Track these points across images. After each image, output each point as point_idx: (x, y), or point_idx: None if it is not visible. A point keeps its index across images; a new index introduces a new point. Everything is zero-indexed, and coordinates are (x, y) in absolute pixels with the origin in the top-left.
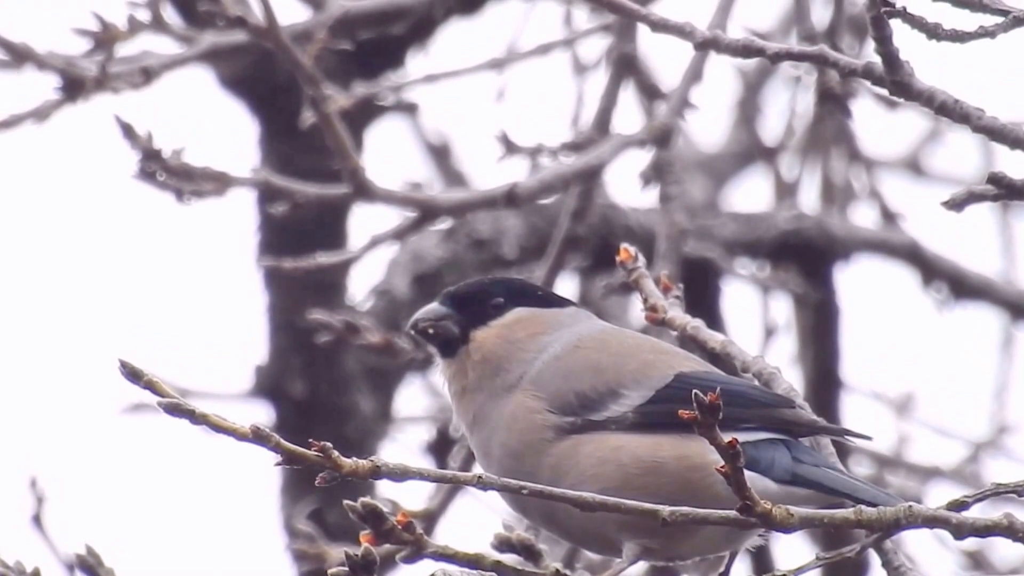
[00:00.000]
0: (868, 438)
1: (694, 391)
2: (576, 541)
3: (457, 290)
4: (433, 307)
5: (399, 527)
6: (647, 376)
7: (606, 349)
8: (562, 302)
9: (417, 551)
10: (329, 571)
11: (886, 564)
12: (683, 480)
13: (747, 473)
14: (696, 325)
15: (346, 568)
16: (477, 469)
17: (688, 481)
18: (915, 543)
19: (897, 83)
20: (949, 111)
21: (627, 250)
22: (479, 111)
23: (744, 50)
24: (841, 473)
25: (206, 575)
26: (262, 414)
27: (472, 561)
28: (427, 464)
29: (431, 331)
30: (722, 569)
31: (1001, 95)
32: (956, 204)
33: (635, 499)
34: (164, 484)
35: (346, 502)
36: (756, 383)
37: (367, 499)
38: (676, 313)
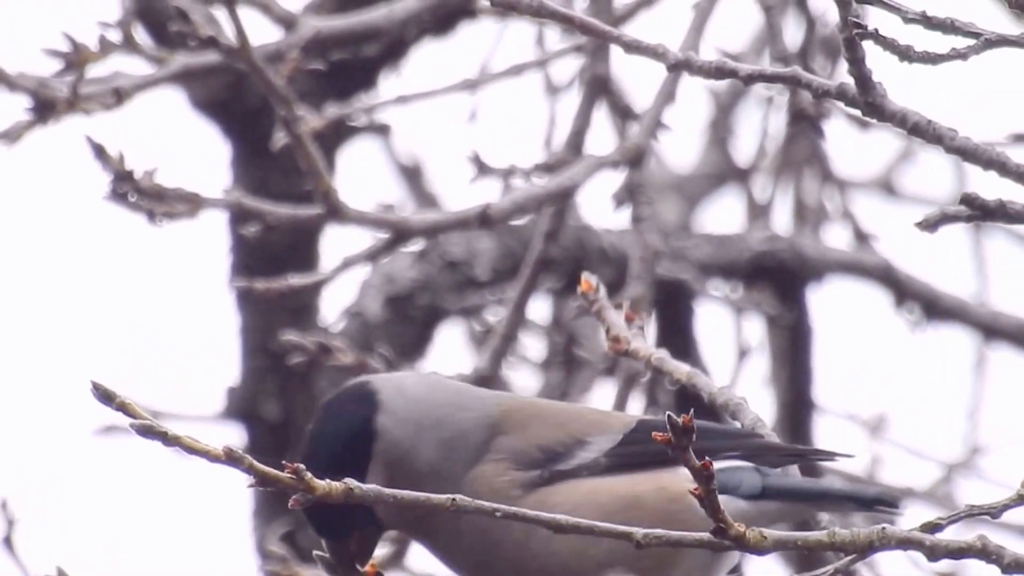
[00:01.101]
0: (849, 456)
1: (668, 413)
2: None
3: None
4: (333, 547)
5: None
6: (609, 424)
7: (544, 407)
8: (370, 428)
9: None
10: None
11: None
12: (663, 512)
13: (720, 497)
14: (661, 356)
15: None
16: None
17: (668, 513)
18: (889, 565)
19: (870, 104)
20: (922, 132)
21: (587, 281)
22: (451, 132)
23: (717, 71)
24: (811, 480)
25: None
26: (235, 436)
27: None
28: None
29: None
30: None
31: (974, 116)
32: (929, 225)
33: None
34: (137, 506)
35: (315, 553)
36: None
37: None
38: (640, 344)
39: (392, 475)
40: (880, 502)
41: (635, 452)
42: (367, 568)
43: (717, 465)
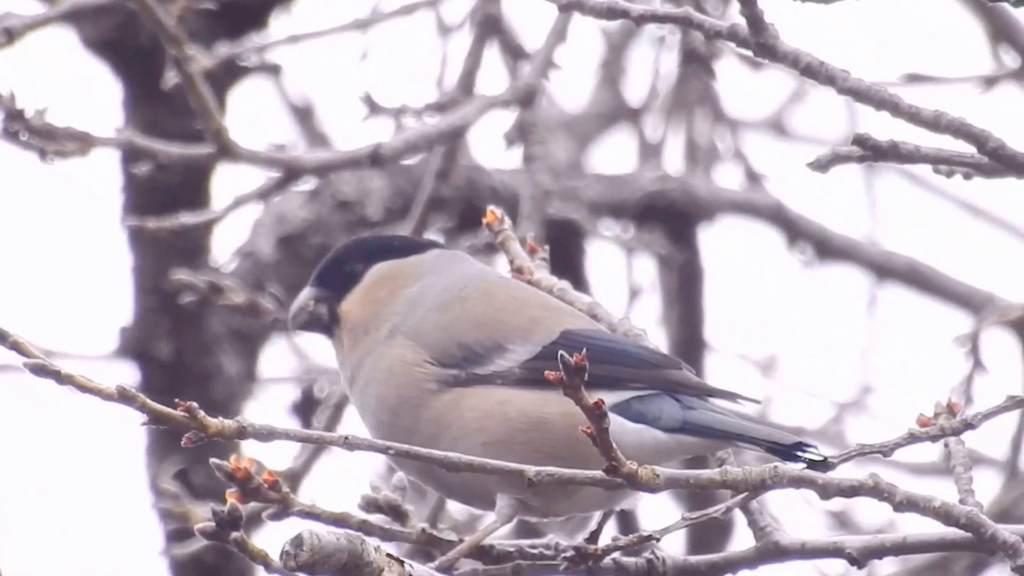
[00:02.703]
0: (756, 401)
1: (560, 352)
2: (455, 496)
3: (321, 267)
4: (302, 293)
5: (266, 486)
6: (533, 332)
7: (492, 302)
8: (422, 247)
9: (284, 510)
10: (196, 526)
11: (751, 524)
12: (568, 437)
13: (635, 426)
14: (562, 287)
15: (213, 524)
16: (343, 429)
17: (574, 439)
18: (781, 503)
19: (762, 45)
20: (814, 73)
21: (493, 212)
22: (343, 72)
23: (608, 12)
24: (732, 417)
25: (72, 535)
26: (128, 375)
27: (338, 520)
28: (292, 424)
29: (305, 322)
30: (594, 527)
31: (867, 57)
32: (821, 165)
33: (519, 454)
34: (30, 444)
35: (213, 461)
36: (646, 344)
37: (234, 459)
38: (542, 275)
39: (378, 289)
40: (801, 449)
41: (547, 368)
42: (264, 476)
43: (637, 393)
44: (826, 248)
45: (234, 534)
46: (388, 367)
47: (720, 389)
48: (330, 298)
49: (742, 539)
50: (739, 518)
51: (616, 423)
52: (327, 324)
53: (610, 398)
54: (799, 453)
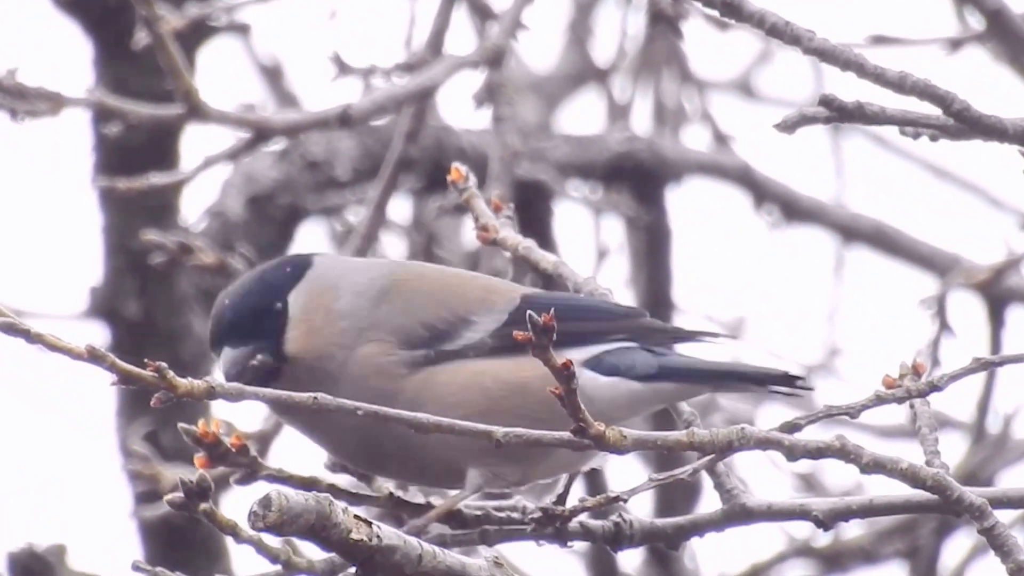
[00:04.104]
0: (733, 337)
1: (528, 312)
2: (427, 479)
3: (230, 324)
4: (231, 355)
5: (233, 450)
6: (493, 302)
7: (432, 280)
8: (309, 260)
9: (252, 474)
10: (164, 498)
11: (718, 487)
12: (548, 399)
13: (608, 379)
14: (528, 245)
15: (181, 495)
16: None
17: (552, 400)
18: (748, 465)
19: (728, 5)
20: (780, 33)
21: (458, 170)
22: (311, 32)
23: None
24: (708, 360)
25: (42, 495)
26: (97, 335)
27: (307, 484)
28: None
29: (255, 377)
30: (560, 491)
31: (833, 18)
32: (787, 126)
33: (501, 422)
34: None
35: (181, 425)
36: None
37: (202, 424)
38: (508, 233)
39: (312, 315)
40: (787, 379)
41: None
42: (232, 440)
43: (606, 347)
44: (793, 210)
45: (203, 505)
46: (359, 371)
47: (691, 331)
48: (266, 346)
49: (709, 501)
50: (707, 480)
51: (588, 378)
52: (273, 370)
53: (580, 354)
54: (777, 388)
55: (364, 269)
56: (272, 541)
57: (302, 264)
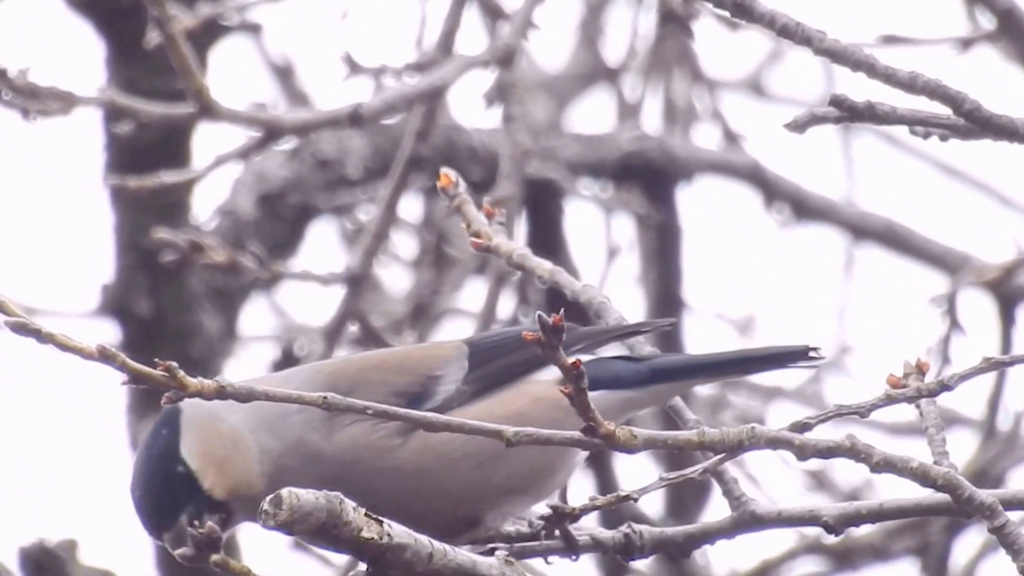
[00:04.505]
0: (672, 323)
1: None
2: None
3: (154, 514)
4: (169, 537)
5: None
6: (445, 355)
7: (367, 359)
8: (176, 409)
9: None
10: (175, 552)
11: (727, 494)
12: (549, 421)
13: (595, 393)
14: (523, 253)
15: (191, 548)
16: None
17: (554, 421)
18: (758, 463)
19: (739, 5)
20: (791, 34)
21: (447, 176)
22: (323, 31)
23: None
24: (699, 354)
25: (53, 491)
26: (108, 333)
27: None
28: None
29: (203, 539)
30: (560, 489)
31: (842, 17)
32: (798, 126)
33: (514, 458)
34: (10, 402)
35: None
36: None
37: None
38: (502, 240)
39: (212, 452)
40: (796, 355)
41: (491, 372)
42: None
43: (585, 358)
44: (803, 208)
45: (214, 557)
46: (350, 456)
47: (629, 325)
48: (196, 509)
49: (719, 505)
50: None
51: None
52: (223, 519)
53: (547, 375)
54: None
55: (288, 376)
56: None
57: (172, 417)
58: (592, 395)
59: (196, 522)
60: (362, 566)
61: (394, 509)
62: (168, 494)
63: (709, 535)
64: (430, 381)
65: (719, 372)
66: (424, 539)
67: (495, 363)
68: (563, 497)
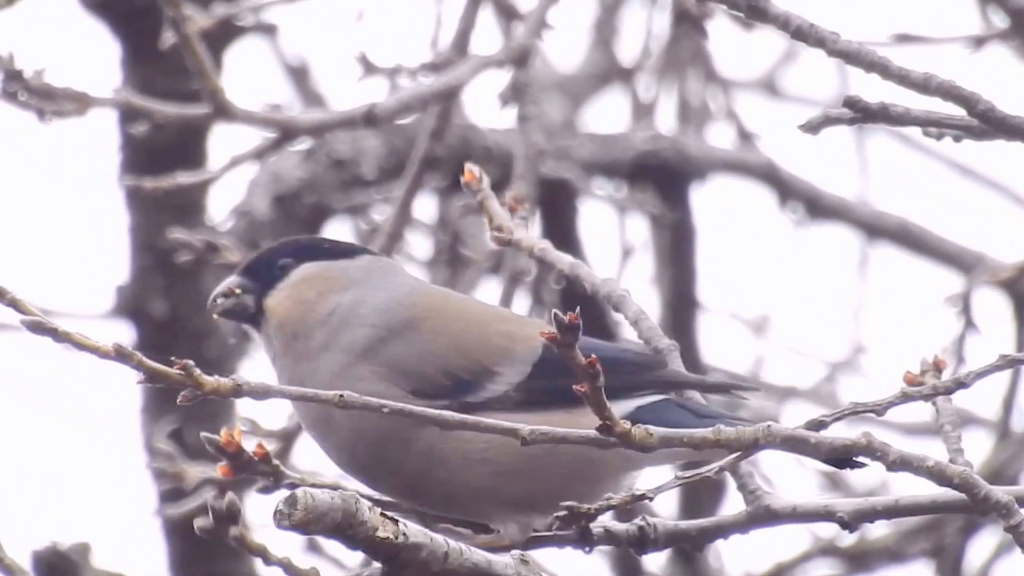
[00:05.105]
0: (756, 389)
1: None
2: (442, 514)
3: (249, 260)
4: (227, 280)
5: (256, 459)
6: (515, 351)
7: (453, 320)
8: (353, 251)
9: (275, 482)
10: (194, 524)
11: (742, 488)
12: (580, 454)
13: None
14: (544, 247)
15: (211, 520)
16: None
17: (585, 455)
18: (772, 461)
19: (753, 7)
20: (804, 35)
21: (471, 172)
22: (338, 32)
23: None
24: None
25: (66, 493)
26: (123, 334)
27: (330, 489)
28: None
29: (229, 309)
30: None
31: (855, 15)
32: (812, 128)
33: (532, 479)
34: (25, 402)
35: (203, 435)
36: (626, 345)
37: (225, 433)
38: (523, 234)
39: (306, 288)
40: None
41: (545, 388)
42: (255, 449)
43: (639, 402)
44: (817, 207)
45: (233, 529)
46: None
47: (715, 382)
48: (256, 290)
49: (735, 500)
50: (732, 481)
51: None
52: (252, 316)
53: (614, 410)
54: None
55: (392, 289)
56: (301, 562)
57: (347, 251)
58: None
59: (240, 292)
60: (377, 565)
61: (405, 486)
62: (263, 262)
63: (723, 529)
64: (484, 374)
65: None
66: (440, 538)
67: (552, 379)
68: None
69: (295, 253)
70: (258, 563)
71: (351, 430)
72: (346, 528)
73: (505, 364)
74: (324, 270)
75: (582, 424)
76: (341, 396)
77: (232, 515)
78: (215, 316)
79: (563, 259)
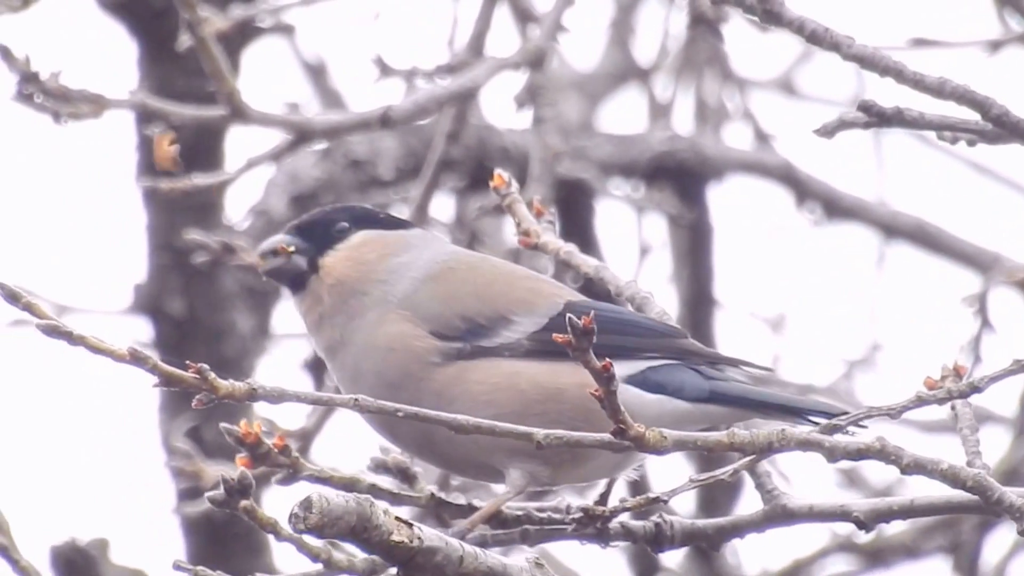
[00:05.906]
0: (769, 369)
1: (568, 315)
2: (455, 468)
3: (301, 220)
4: (277, 236)
5: (275, 450)
6: (536, 304)
7: (482, 274)
8: (406, 224)
9: (293, 474)
10: (206, 494)
11: (759, 487)
12: (583, 408)
13: (654, 396)
14: (569, 250)
15: (223, 492)
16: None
17: (588, 410)
18: (790, 461)
19: (768, 11)
20: (819, 39)
21: (501, 176)
22: (355, 33)
23: None
24: (758, 387)
25: (85, 490)
26: (141, 331)
27: (348, 484)
28: (305, 381)
29: (279, 267)
30: (602, 491)
31: (871, 18)
32: (827, 131)
33: (531, 425)
34: (44, 401)
35: (223, 425)
36: (648, 315)
37: (244, 424)
38: (549, 238)
39: (366, 250)
40: (824, 415)
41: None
42: (275, 440)
43: (649, 364)
44: (834, 207)
45: (244, 502)
46: (387, 344)
47: (729, 357)
48: (310, 250)
49: (750, 501)
50: (748, 480)
51: (633, 394)
52: (301, 275)
53: (623, 369)
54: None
55: (436, 249)
56: (313, 540)
57: (400, 224)
58: (651, 398)
59: (291, 248)
60: (392, 569)
61: (419, 431)
62: (319, 223)
63: (740, 528)
64: (501, 321)
65: (768, 411)
66: (455, 542)
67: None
68: (605, 498)
69: (352, 219)
70: (275, 559)
71: (374, 373)
72: (361, 532)
73: (523, 315)
74: (383, 236)
75: (589, 379)
76: (356, 400)
77: (244, 488)
78: (261, 273)
79: (588, 262)
